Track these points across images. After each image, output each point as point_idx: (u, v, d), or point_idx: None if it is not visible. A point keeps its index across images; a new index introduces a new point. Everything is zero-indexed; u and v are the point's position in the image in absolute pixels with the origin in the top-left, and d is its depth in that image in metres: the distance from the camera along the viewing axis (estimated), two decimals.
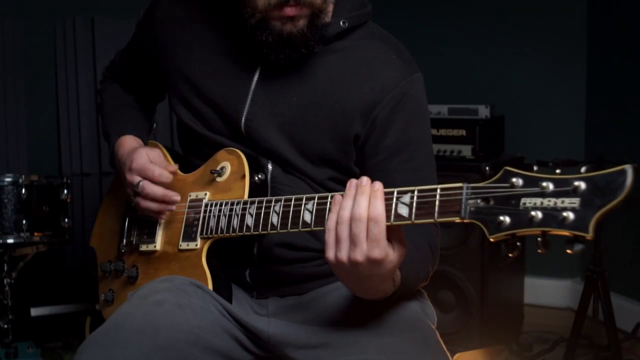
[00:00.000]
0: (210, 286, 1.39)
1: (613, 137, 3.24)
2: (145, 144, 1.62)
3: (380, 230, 1.10)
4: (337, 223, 1.13)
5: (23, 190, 2.46)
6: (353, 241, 1.11)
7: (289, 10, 1.32)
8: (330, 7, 1.45)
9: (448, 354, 1.32)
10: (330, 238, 1.14)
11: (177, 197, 1.45)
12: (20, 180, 2.47)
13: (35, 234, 2.51)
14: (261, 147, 1.45)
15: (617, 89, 3.24)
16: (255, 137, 1.45)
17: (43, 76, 3.31)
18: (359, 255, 1.10)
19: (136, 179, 1.45)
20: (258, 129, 1.44)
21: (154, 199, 1.45)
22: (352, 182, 1.15)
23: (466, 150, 2.91)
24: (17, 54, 3.21)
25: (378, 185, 1.13)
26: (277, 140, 1.44)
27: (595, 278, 2.54)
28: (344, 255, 1.12)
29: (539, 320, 3.27)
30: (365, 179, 1.14)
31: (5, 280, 2.53)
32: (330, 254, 1.14)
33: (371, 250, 1.10)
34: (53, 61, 3.30)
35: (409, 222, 1.10)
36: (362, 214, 1.10)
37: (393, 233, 1.13)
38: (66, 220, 2.59)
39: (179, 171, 1.57)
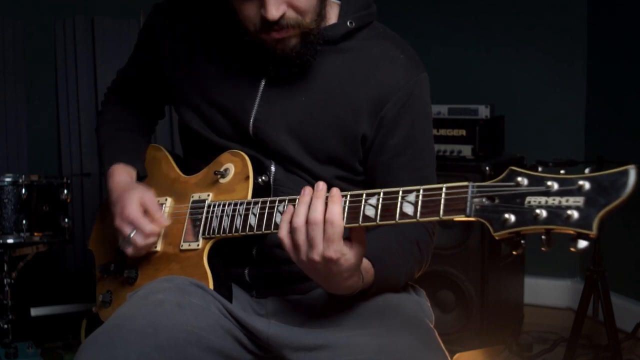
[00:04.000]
0: (211, 285, 1.39)
1: (613, 137, 3.24)
2: (139, 168, 1.61)
3: (335, 231, 1.16)
4: (290, 231, 1.20)
5: (23, 190, 2.46)
6: (310, 244, 1.18)
7: (275, 34, 1.34)
8: (336, 9, 1.46)
9: (447, 353, 1.32)
10: (287, 245, 1.21)
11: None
12: (20, 180, 2.47)
13: (35, 234, 2.51)
14: (269, 148, 1.46)
15: (617, 88, 3.24)
16: (264, 138, 1.46)
17: (43, 76, 3.31)
18: (316, 256, 1.17)
19: (127, 229, 1.45)
20: (267, 129, 1.45)
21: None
22: (306, 189, 1.22)
23: (466, 150, 2.91)
24: (17, 54, 3.20)
25: (335, 190, 1.19)
26: (285, 140, 1.45)
27: (595, 278, 2.54)
28: (303, 257, 1.19)
29: (539, 320, 3.27)
30: (321, 184, 1.20)
31: (5, 280, 2.53)
32: (292, 257, 1.22)
33: (326, 250, 1.16)
34: (53, 61, 3.30)
35: (414, 220, 1.12)
36: (317, 217, 1.17)
37: (354, 234, 1.19)
38: (66, 220, 2.59)
39: (181, 173, 1.57)
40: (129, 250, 1.47)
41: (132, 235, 1.44)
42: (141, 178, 1.61)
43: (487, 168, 2.77)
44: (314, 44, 1.38)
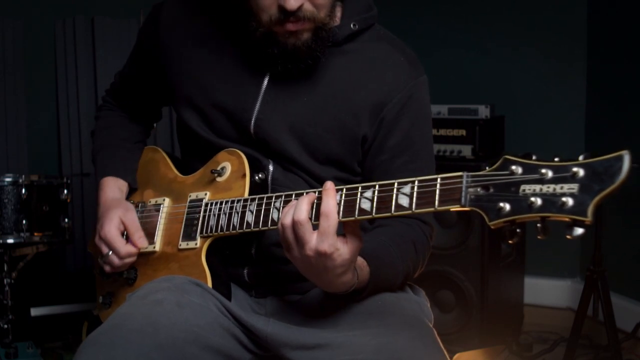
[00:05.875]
0: (210, 284, 1.40)
1: (613, 137, 3.24)
2: (130, 180, 1.62)
3: (330, 224, 1.16)
4: (282, 230, 1.21)
5: (23, 190, 2.46)
6: (299, 242, 1.18)
7: (291, 26, 1.34)
8: (339, 11, 1.47)
9: (446, 352, 1.32)
10: (283, 243, 1.22)
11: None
12: (20, 180, 2.47)
13: (35, 234, 2.51)
14: (270, 148, 1.46)
15: (617, 88, 3.24)
16: (265, 138, 1.46)
17: (43, 76, 3.31)
18: (309, 251, 1.17)
19: (104, 249, 1.49)
20: (268, 129, 1.45)
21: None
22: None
23: (466, 150, 2.91)
24: (17, 54, 3.20)
25: (329, 184, 1.19)
26: (286, 140, 1.45)
27: (595, 278, 2.54)
28: (296, 253, 1.20)
29: (539, 320, 3.27)
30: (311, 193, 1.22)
31: (5, 280, 2.53)
32: (286, 254, 1.23)
33: (319, 244, 1.16)
34: (53, 61, 3.30)
35: (409, 211, 1.12)
36: (300, 216, 1.18)
37: (348, 228, 1.18)
38: (66, 220, 2.59)
39: (179, 173, 1.57)
40: (107, 269, 1.51)
41: (109, 254, 1.47)
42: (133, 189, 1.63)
43: (487, 168, 2.76)
44: (324, 41, 1.39)
